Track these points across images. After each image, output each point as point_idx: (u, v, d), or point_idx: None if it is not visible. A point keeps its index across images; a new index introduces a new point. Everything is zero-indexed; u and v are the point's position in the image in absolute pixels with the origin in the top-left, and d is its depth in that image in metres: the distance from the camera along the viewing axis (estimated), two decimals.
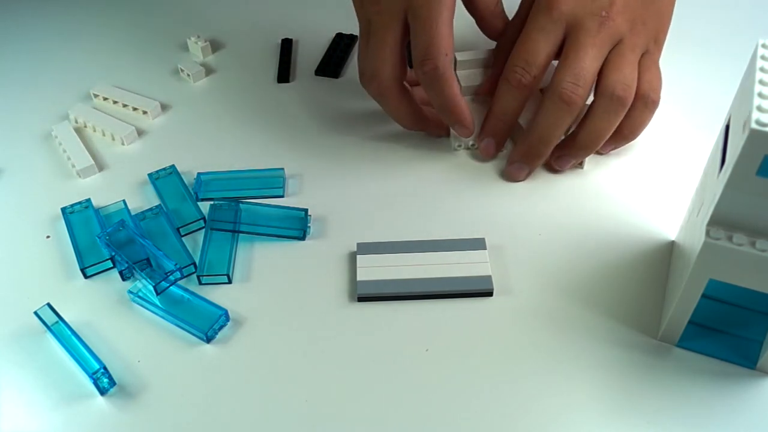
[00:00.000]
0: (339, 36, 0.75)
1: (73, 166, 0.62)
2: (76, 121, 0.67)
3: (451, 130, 0.61)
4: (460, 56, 0.64)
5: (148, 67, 0.73)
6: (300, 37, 0.76)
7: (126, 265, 0.53)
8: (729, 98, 0.46)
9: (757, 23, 0.42)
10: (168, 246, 0.54)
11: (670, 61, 0.62)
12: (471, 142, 0.62)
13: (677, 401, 0.46)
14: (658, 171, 0.60)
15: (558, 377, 0.47)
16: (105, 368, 0.47)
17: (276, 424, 0.45)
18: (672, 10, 0.60)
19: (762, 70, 0.40)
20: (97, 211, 0.57)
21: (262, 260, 0.55)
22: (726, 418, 0.45)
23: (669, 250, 0.54)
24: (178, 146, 0.65)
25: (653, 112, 0.57)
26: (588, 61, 0.54)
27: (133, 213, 0.58)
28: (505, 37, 0.60)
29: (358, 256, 0.53)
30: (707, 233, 0.42)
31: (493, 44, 0.64)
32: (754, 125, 0.37)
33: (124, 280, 0.53)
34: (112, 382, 0.47)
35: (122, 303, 0.52)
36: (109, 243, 0.53)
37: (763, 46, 0.42)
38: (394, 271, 0.52)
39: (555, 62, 0.57)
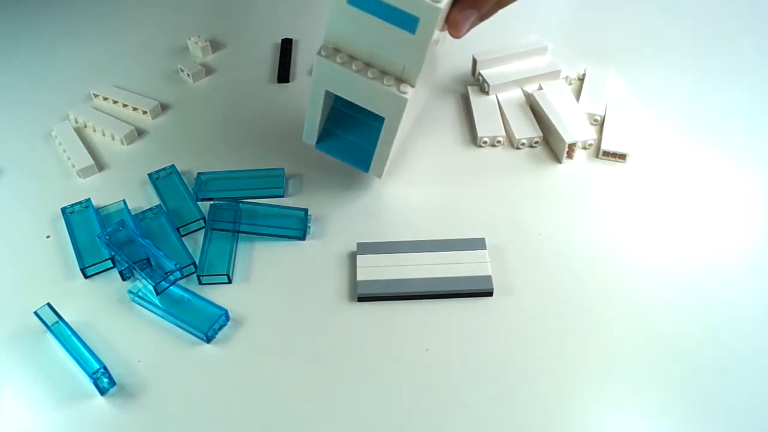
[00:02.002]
0: None
1: (73, 166, 0.62)
2: (76, 121, 0.67)
3: (478, 126, 0.62)
4: (480, 56, 0.66)
5: (148, 67, 0.73)
6: (300, 37, 0.76)
7: (126, 265, 0.53)
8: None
9: None
10: (168, 246, 0.54)
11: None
12: (498, 139, 0.62)
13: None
14: (652, 175, 0.60)
15: (558, 376, 0.47)
16: (105, 368, 0.47)
17: (276, 424, 0.45)
18: None
19: None
20: (97, 211, 0.57)
21: (262, 260, 0.55)
22: None
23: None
24: (178, 146, 0.65)
25: None
26: None
27: (133, 213, 0.58)
28: None
29: (358, 256, 0.53)
30: (319, 52, 0.51)
31: (511, 41, 0.67)
32: None
33: (124, 280, 0.53)
34: (112, 382, 0.47)
35: (122, 303, 0.52)
36: (109, 243, 0.53)
37: None
38: (394, 271, 0.52)
39: None
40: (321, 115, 0.56)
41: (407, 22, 0.46)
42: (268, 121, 0.67)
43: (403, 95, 0.50)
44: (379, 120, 0.54)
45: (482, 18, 0.52)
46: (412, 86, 0.50)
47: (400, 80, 0.50)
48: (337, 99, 0.57)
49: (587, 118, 0.64)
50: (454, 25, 0.50)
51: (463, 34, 0.52)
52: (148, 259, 0.53)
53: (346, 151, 0.58)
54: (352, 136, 0.58)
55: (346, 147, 0.58)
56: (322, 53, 0.51)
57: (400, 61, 0.49)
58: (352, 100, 0.53)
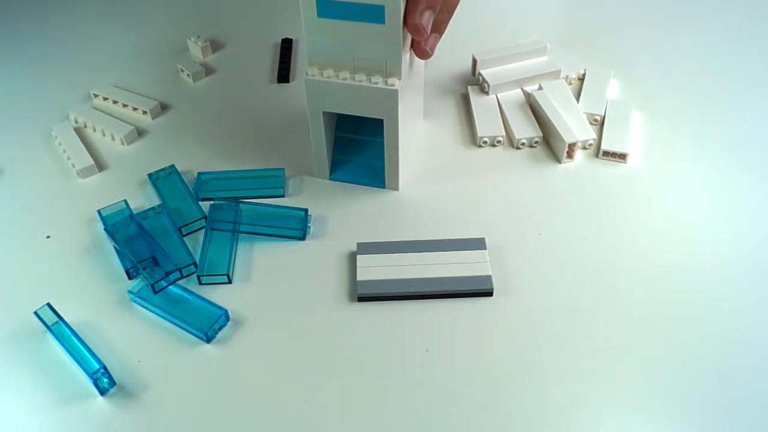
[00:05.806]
0: None
1: (73, 166, 0.62)
2: (76, 121, 0.67)
3: (478, 126, 0.63)
4: (480, 56, 0.67)
5: (148, 67, 0.73)
6: (300, 37, 0.76)
7: (131, 264, 0.53)
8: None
9: None
10: (170, 245, 0.54)
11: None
12: (498, 139, 0.62)
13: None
14: (652, 175, 0.60)
15: (558, 376, 0.47)
16: (105, 368, 0.47)
17: (276, 424, 0.45)
18: None
19: None
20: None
21: (262, 260, 0.55)
22: None
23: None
24: (178, 146, 0.65)
25: None
26: None
27: (134, 213, 0.57)
28: None
29: (358, 256, 0.53)
30: (306, 73, 0.53)
31: (511, 41, 0.67)
32: None
33: (130, 278, 0.53)
34: (112, 382, 0.47)
35: (122, 303, 0.52)
36: (115, 237, 0.53)
37: None
38: (394, 271, 0.52)
39: None
40: (326, 144, 0.58)
41: (375, 14, 0.49)
42: (268, 121, 0.67)
43: (392, 87, 0.52)
44: (382, 133, 0.55)
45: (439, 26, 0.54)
46: (399, 79, 0.52)
47: (387, 77, 0.52)
48: (339, 127, 0.60)
49: (587, 118, 0.64)
50: (417, 29, 0.51)
51: (429, 45, 0.54)
52: (150, 258, 0.53)
53: (358, 174, 0.60)
54: (360, 157, 0.61)
55: (358, 169, 0.60)
56: (309, 74, 0.53)
57: (381, 57, 0.51)
58: (348, 112, 0.55)
